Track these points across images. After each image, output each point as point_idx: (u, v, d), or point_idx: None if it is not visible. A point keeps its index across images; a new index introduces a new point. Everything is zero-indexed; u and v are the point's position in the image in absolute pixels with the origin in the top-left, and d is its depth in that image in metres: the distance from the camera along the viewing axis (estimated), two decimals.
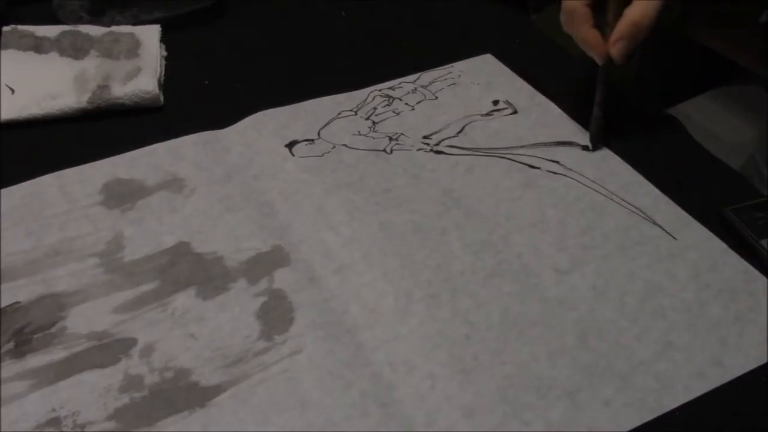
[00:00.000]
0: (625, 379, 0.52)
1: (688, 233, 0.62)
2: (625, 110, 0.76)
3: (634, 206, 0.64)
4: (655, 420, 0.50)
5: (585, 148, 0.70)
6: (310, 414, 0.50)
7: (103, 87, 0.73)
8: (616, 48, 0.64)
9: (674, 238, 0.62)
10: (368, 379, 0.52)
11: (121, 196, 0.65)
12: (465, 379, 0.52)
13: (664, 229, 0.62)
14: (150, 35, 0.81)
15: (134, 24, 0.83)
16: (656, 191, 0.66)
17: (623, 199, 0.65)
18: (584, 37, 0.66)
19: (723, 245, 0.61)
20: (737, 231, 0.60)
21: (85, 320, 0.56)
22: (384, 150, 0.70)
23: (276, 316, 0.56)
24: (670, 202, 0.65)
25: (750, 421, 0.50)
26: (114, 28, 0.81)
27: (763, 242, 0.58)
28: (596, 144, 0.70)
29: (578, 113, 0.74)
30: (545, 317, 0.56)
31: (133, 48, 0.78)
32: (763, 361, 0.53)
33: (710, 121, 1.68)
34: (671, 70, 1.75)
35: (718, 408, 0.51)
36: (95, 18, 0.84)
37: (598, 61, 0.67)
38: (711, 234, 0.62)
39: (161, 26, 0.83)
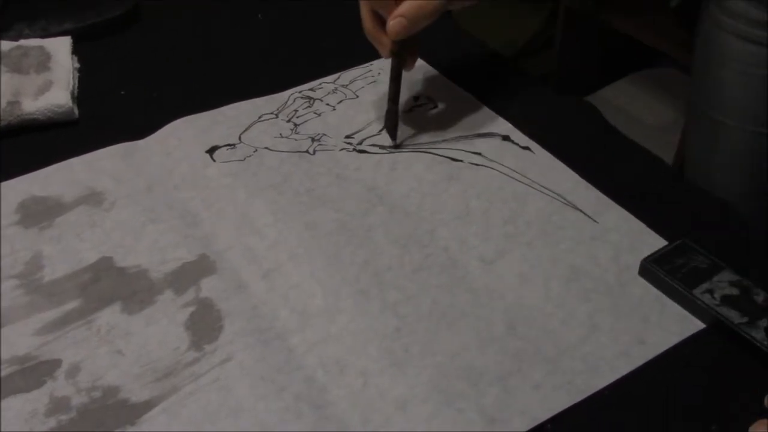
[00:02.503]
0: (553, 363, 0.53)
1: (608, 215, 0.63)
2: (543, 99, 0.78)
3: (555, 192, 0.66)
4: (585, 400, 0.51)
5: (505, 138, 0.71)
6: (243, 421, 0.50)
7: (14, 103, 0.71)
8: (395, 21, 0.64)
9: (595, 221, 0.63)
10: (301, 382, 0.52)
11: (37, 214, 0.64)
12: (397, 372, 0.52)
13: (584, 213, 0.64)
14: (61, 47, 0.79)
15: (43, 36, 0.81)
16: (576, 176, 0.67)
17: (544, 186, 0.66)
18: (369, 31, 0.69)
19: (641, 225, 0.62)
20: (664, 282, 0.57)
21: (7, 345, 0.54)
22: (307, 151, 0.70)
23: (205, 325, 0.55)
24: (590, 186, 0.66)
25: (675, 395, 0.52)
26: (22, 41, 0.79)
27: (696, 292, 0.55)
28: (394, 137, 0.70)
29: (497, 103, 0.75)
30: (474, 307, 0.56)
31: (44, 61, 0.76)
32: (684, 336, 0.54)
33: (630, 104, 1.73)
34: (591, 57, 1.79)
35: (644, 384, 0.52)
36: (1, 32, 0.82)
37: (383, 54, 0.69)
38: (629, 215, 0.63)
39: (72, 37, 0.81)
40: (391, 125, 0.70)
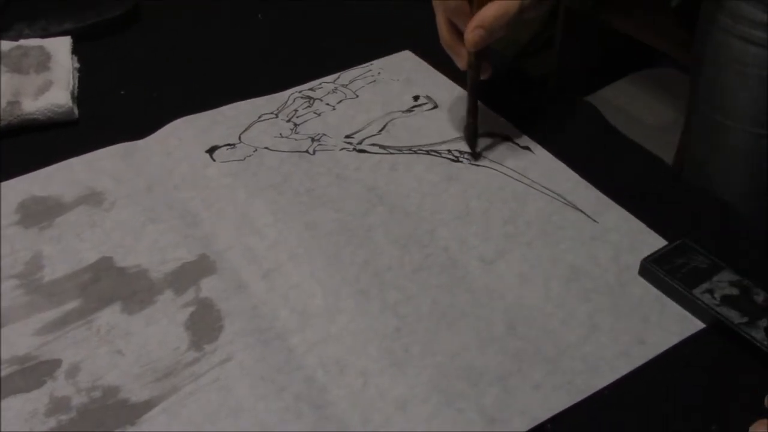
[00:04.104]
0: (553, 363, 0.53)
1: (608, 215, 0.63)
2: (543, 99, 0.78)
3: (555, 192, 0.66)
4: (585, 400, 0.51)
5: (505, 138, 0.71)
6: (243, 421, 0.50)
7: (14, 103, 0.71)
8: (473, 33, 0.63)
9: (595, 221, 0.63)
10: (301, 382, 0.52)
11: (37, 214, 0.64)
12: (397, 372, 0.52)
13: (585, 213, 0.64)
14: (61, 47, 0.79)
15: (43, 36, 0.81)
16: (576, 176, 0.67)
17: (544, 187, 0.66)
18: (446, 42, 0.67)
19: (641, 225, 0.62)
20: (664, 281, 0.57)
21: (7, 345, 0.54)
22: (306, 151, 0.70)
23: (205, 325, 0.55)
24: (590, 186, 0.66)
25: (675, 395, 0.52)
26: (22, 41, 0.79)
27: (696, 292, 0.55)
28: (474, 150, 0.70)
29: (497, 103, 0.75)
30: (474, 307, 0.56)
31: (44, 61, 0.76)
32: (684, 336, 0.54)
33: (630, 104, 1.73)
34: (591, 57, 1.79)
35: (644, 384, 0.52)
36: (1, 32, 0.82)
37: (460, 65, 0.68)
38: (629, 215, 0.63)
39: (72, 37, 0.81)
40: (470, 138, 0.69)
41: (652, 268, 0.57)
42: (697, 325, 0.55)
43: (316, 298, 0.57)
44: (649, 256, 0.58)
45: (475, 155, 0.69)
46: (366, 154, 0.70)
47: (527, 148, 0.70)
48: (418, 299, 0.57)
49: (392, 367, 0.52)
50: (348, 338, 0.54)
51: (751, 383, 0.52)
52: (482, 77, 0.68)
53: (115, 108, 0.76)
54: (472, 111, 0.69)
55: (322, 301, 0.57)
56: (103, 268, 0.59)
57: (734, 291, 0.55)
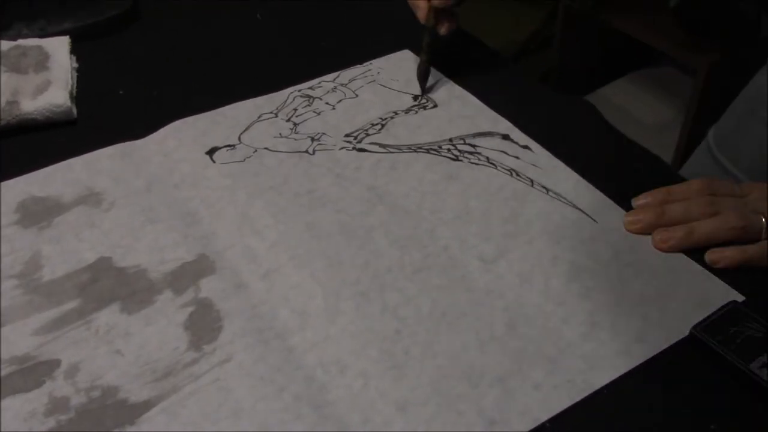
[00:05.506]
0: (553, 362, 0.53)
1: (608, 215, 0.63)
2: (542, 98, 0.78)
3: (554, 192, 0.65)
4: (584, 398, 0.51)
5: (505, 137, 0.71)
6: (243, 422, 0.50)
7: (12, 103, 0.71)
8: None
9: (594, 220, 0.63)
10: (301, 382, 0.52)
11: (36, 214, 0.63)
12: (397, 374, 0.52)
13: (584, 212, 0.64)
14: (59, 47, 0.78)
15: (42, 36, 0.81)
16: (575, 176, 0.67)
17: (544, 186, 0.66)
18: None
19: None
20: (716, 353, 0.52)
21: (6, 344, 0.54)
22: (306, 151, 0.70)
23: (204, 325, 0.55)
24: (590, 185, 0.66)
25: (675, 394, 0.51)
26: (21, 41, 0.79)
27: (754, 366, 0.50)
28: (424, 87, 0.76)
29: (497, 103, 0.75)
30: (474, 307, 0.56)
31: (42, 61, 0.76)
32: (683, 335, 0.54)
33: (629, 103, 1.73)
34: (590, 55, 1.79)
35: (643, 382, 0.52)
36: (0, 32, 0.82)
37: (420, 18, 0.75)
38: None
39: (71, 37, 0.81)
40: (422, 75, 0.76)
41: (704, 338, 0.52)
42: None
43: (316, 299, 0.57)
44: (698, 324, 0.53)
45: (424, 92, 0.76)
46: (366, 153, 0.70)
47: (527, 147, 0.70)
48: (418, 300, 0.57)
49: (392, 369, 0.52)
50: (348, 340, 0.54)
51: None
52: (441, 33, 0.74)
53: (114, 108, 0.76)
54: (426, 49, 0.75)
55: (322, 302, 0.56)
56: (102, 268, 0.59)
57: None
